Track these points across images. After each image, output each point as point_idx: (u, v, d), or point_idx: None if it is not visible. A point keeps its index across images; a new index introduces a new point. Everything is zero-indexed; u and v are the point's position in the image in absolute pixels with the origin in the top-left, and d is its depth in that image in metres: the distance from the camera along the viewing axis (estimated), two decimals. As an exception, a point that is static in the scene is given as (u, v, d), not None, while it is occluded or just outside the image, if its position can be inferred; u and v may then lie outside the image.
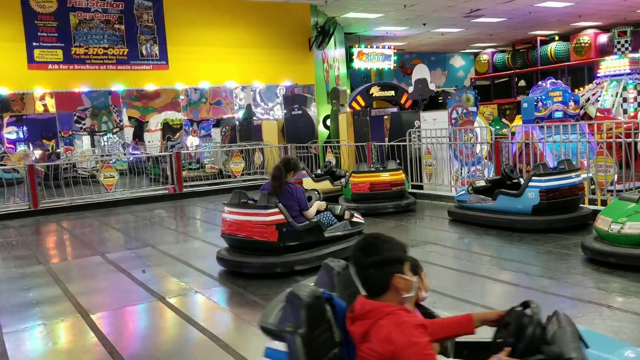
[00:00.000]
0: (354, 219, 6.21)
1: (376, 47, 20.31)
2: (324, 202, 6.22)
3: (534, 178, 6.89)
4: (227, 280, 5.58)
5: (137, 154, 16.75)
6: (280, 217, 5.55)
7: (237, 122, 17.65)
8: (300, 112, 15.59)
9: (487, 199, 7.40)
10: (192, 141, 18.76)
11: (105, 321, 4.65)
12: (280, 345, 1.92)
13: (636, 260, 5.02)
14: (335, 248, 5.78)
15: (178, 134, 17.17)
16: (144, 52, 13.74)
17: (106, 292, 5.62)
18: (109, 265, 6.53)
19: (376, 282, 2.05)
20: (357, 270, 2.10)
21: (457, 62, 26.78)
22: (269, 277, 5.53)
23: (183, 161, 13.65)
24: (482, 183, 7.80)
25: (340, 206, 6.31)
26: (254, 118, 17.07)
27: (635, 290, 4.51)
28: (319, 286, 2.17)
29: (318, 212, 5.98)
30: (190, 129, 18.95)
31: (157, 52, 13.90)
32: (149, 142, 17.77)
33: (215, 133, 18.40)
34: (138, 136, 18.65)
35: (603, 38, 20.02)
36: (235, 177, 14.01)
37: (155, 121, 17.88)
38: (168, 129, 17.06)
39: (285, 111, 16.03)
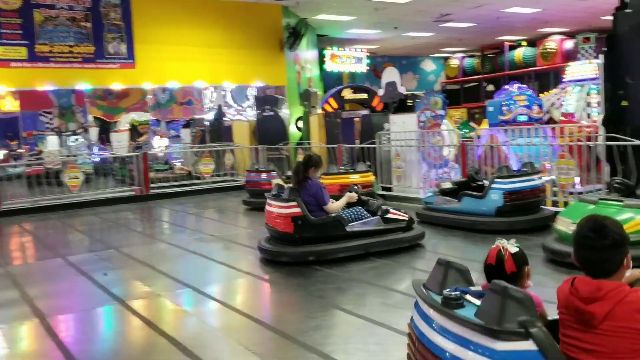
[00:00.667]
0: (392, 216, 6.30)
1: (349, 50, 20.38)
2: (355, 194, 6.39)
3: (497, 180, 6.99)
4: (193, 284, 5.51)
5: (103, 154, 16.49)
6: (297, 210, 5.93)
7: (207, 123, 17.51)
8: (271, 113, 15.55)
9: (452, 200, 7.48)
10: (160, 142, 18.54)
11: (63, 325, 4.55)
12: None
13: (595, 261, 5.12)
14: (358, 242, 6.08)
15: (145, 135, 16.97)
16: (111, 50, 13.53)
17: (66, 295, 5.51)
18: (70, 268, 6.40)
19: (612, 263, 2.09)
20: (589, 252, 2.10)
21: (428, 66, 27.05)
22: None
23: (150, 162, 13.49)
24: (448, 185, 7.88)
25: (375, 202, 6.52)
26: (225, 119, 16.97)
27: (593, 291, 4.58)
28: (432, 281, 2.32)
29: (351, 205, 6.31)
30: (158, 129, 18.74)
31: (125, 51, 13.69)
32: (119, 142, 17.53)
33: (185, 134, 18.23)
34: (104, 136, 18.37)
35: (569, 44, 20.43)
36: (205, 178, 13.89)
37: (122, 121, 17.65)
38: (135, 130, 16.86)
39: (256, 112, 15.98)
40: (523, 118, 10.54)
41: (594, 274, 2.10)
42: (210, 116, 17.88)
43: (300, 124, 15.84)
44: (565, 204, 7.67)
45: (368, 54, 21.20)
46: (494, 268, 2.59)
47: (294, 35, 15.86)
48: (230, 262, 6.42)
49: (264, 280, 5.71)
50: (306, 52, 17.16)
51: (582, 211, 5.40)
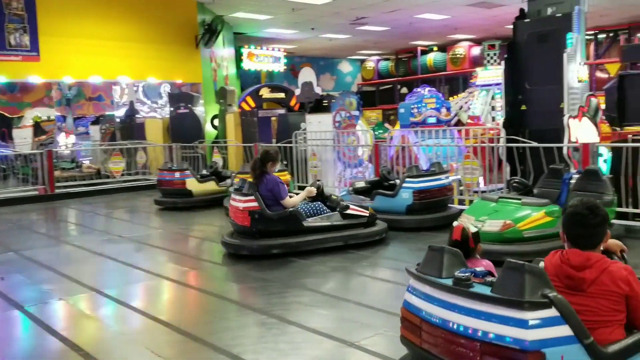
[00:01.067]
0: (352, 212, 6.38)
1: (266, 49, 20.33)
2: (314, 189, 6.45)
3: (407, 179, 7.22)
4: (97, 287, 5.32)
5: (4, 152, 15.55)
6: (254, 204, 6.07)
7: (118, 120, 16.93)
8: (186, 110, 15.27)
9: (365, 199, 7.61)
10: (66, 139, 17.70)
11: (-46, 333, 4.28)
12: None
13: (495, 255, 5.38)
14: (316, 237, 6.20)
15: (49, 133, 16.17)
16: (13, 42, 12.73)
17: (-41, 301, 5.17)
18: (-35, 272, 6.02)
19: (598, 237, 2.51)
20: (582, 229, 2.50)
21: (345, 67, 27.45)
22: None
23: (56, 160, 12.88)
24: (362, 184, 8.04)
25: (336, 197, 6.60)
26: (138, 116, 16.48)
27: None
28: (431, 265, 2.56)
29: (313, 200, 6.42)
30: (64, 125, 17.89)
31: (28, 43, 12.93)
32: (23, 139, 16.57)
33: (94, 130, 17.49)
34: (5, 132, 17.31)
35: (476, 50, 21.40)
36: (115, 177, 13.44)
37: (27, 117, 16.71)
38: (39, 126, 16.02)
39: (170, 109, 15.62)
40: (432, 120, 10.95)
41: (583, 247, 2.50)
42: (121, 113, 17.29)
43: (216, 122, 15.65)
44: (471, 202, 8.04)
45: (285, 54, 21.23)
46: (460, 243, 3.23)
47: (210, 32, 15.63)
48: (139, 264, 6.24)
49: (173, 282, 5.59)
50: (223, 50, 16.95)
51: (484, 209, 5.70)
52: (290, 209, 6.17)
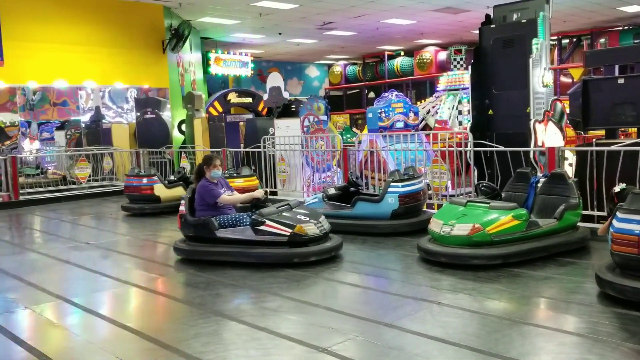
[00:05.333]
0: (267, 228, 5.84)
1: (233, 54, 20.26)
2: (261, 192, 6.40)
3: (392, 184, 7.18)
4: (64, 295, 5.22)
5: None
6: (182, 208, 6.32)
7: (83, 125, 16.65)
8: (153, 115, 15.10)
9: (344, 205, 7.55)
10: (30, 145, 17.32)
11: None
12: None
13: (464, 259, 5.49)
14: (227, 249, 6.04)
15: (13, 138, 15.80)
16: (-26, 46, 12.46)
17: None
18: None
19: None
20: None
21: (312, 72, 27.55)
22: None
23: (20, 166, 12.59)
24: (333, 191, 7.99)
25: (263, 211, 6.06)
26: (103, 121, 16.23)
27: (462, 287, 4.91)
28: None
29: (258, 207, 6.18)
30: (28, 131, 17.51)
31: (-10, 47, 12.67)
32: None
33: (59, 136, 17.15)
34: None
35: (442, 55, 21.71)
36: (81, 183, 13.20)
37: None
38: (2, 131, 15.65)
39: (137, 115, 15.43)
40: (400, 125, 11.05)
41: None
42: (87, 118, 17.00)
43: (184, 127, 15.52)
44: (439, 206, 8.13)
45: (253, 58, 21.19)
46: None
47: (177, 37, 15.50)
48: (106, 271, 6.14)
49: (141, 289, 5.51)
50: (190, 55, 16.83)
51: (452, 213, 5.77)
52: (204, 217, 6.11)
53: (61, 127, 17.29)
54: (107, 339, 4.21)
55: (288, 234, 5.82)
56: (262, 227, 5.88)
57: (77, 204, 12.04)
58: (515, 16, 8.95)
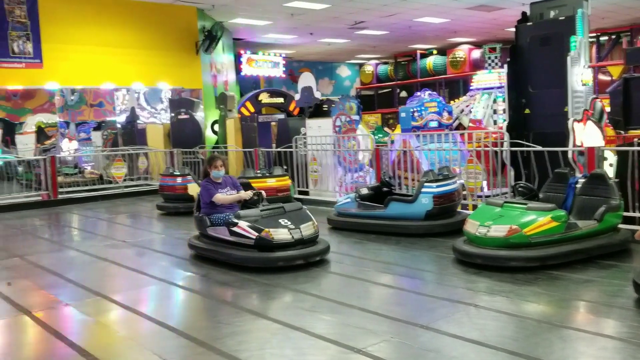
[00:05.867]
0: (237, 230, 5.86)
1: (265, 54, 20.37)
2: (249, 193, 6.44)
3: (426, 184, 7.11)
4: (103, 292, 5.32)
5: (8, 157, 15.54)
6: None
7: (119, 126, 16.95)
8: (187, 116, 15.28)
9: (377, 206, 7.51)
10: (69, 145, 17.71)
11: (-40, 339, 4.27)
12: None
13: (500, 260, 5.40)
14: (213, 247, 6.25)
15: (52, 138, 16.17)
16: (16, 49, 12.77)
17: (-36, 307, 5.16)
18: (-31, 279, 6.01)
19: None
20: None
21: (344, 72, 27.51)
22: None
23: (59, 166, 12.88)
24: (365, 191, 7.97)
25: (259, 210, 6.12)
26: (138, 122, 16.49)
27: (499, 290, 4.84)
28: None
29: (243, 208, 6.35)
30: (67, 131, 17.89)
31: (31, 50, 12.98)
32: (24, 145, 16.57)
33: (96, 136, 17.50)
34: (9, 139, 17.31)
35: (476, 53, 21.44)
36: (117, 182, 13.44)
37: (30, 123, 16.72)
38: (41, 133, 16.02)
39: (171, 115, 15.64)
40: (434, 124, 10.94)
41: None
42: (122, 118, 17.30)
43: (217, 127, 15.67)
44: (474, 207, 8.03)
45: (285, 62, 21.28)
46: None
47: (210, 39, 15.65)
48: (143, 269, 6.24)
49: (177, 287, 5.59)
50: (222, 56, 16.99)
51: (489, 214, 5.69)
52: (200, 214, 6.43)
53: (98, 127, 17.63)
54: (144, 336, 4.27)
55: (254, 237, 5.77)
56: (235, 228, 5.90)
57: (113, 202, 12.27)
58: (552, 13, 8.79)
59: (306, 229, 5.95)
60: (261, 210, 6.03)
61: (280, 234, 5.77)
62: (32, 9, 12.98)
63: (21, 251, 7.33)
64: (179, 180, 10.39)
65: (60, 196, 11.97)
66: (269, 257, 5.77)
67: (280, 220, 5.88)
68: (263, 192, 6.60)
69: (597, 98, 8.07)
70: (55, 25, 13.35)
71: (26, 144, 16.46)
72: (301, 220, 6.01)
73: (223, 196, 6.39)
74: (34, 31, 13.02)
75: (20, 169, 13.83)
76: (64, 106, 17.68)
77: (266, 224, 5.82)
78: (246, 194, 6.45)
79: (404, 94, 24.19)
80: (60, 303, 5.05)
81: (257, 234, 5.74)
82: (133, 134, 15.87)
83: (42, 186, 12.02)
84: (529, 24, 9.06)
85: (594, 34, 18.80)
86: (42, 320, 4.56)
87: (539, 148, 7.63)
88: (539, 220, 5.40)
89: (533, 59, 8.88)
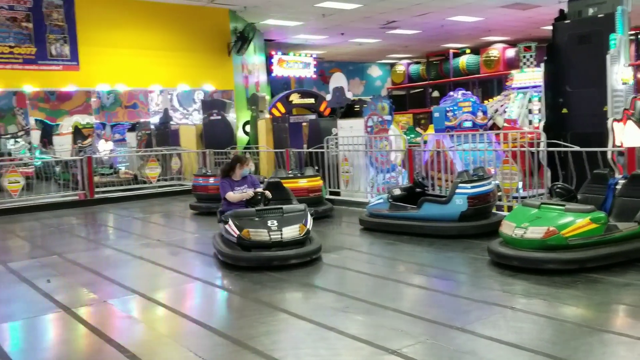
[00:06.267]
0: (227, 227, 6.12)
1: (296, 55, 20.42)
2: (250, 193, 6.63)
3: (460, 185, 7.03)
4: (140, 290, 5.40)
5: (45, 157, 15.93)
6: None
7: (153, 127, 17.21)
8: (219, 117, 15.42)
9: (410, 207, 7.44)
10: (105, 145, 18.06)
11: (6, 334, 4.39)
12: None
13: (537, 263, 5.30)
14: (215, 241, 6.62)
15: (89, 139, 16.51)
16: (54, 52, 13.11)
17: (8, 303, 5.29)
18: (11, 275, 6.17)
19: None
20: None
21: (375, 72, 27.41)
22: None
23: (95, 166, 13.14)
24: (398, 192, 7.91)
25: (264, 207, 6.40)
26: (172, 122, 16.71)
27: (535, 292, 4.75)
28: None
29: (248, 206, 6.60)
30: (103, 132, 18.25)
31: (68, 53, 13.29)
32: (61, 145, 16.96)
33: (131, 137, 17.81)
34: (46, 139, 17.74)
35: (510, 52, 21.12)
36: (151, 182, 13.64)
37: (65, 124, 17.11)
38: (78, 133, 16.37)
39: (203, 116, 15.80)
40: (468, 124, 10.81)
41: None
42: (156, 120, 17.56)
43: (248, 128, 15.78)
44: (509, 208, 7.90)
45: (315, 60, 21.30)
46: None
47: (242, 40, 15.78)
48: (178, 267, 6.32)
49: (212, 286, 5.66)
50: (253, 57, 17.09)
51: (525, 215, 5.60)
52: (220, 209, 6.77)
53: (132, 128, 17.94)
54: (180, 333, 4.32)
55: (236, 235, 5.96)
56: (226, 226, 6.17)
57: (148, 202, 12.45)
58: (591, 11, 8.61)
59: (289, 232, 5.99)
60: (257, 211, 6.20)
61: (259, 235, 5.91)
62: (69, 13, 13.29)
63: (59, 249, 7.50)
64: (211, 180, 10.48)
65: (96, 196, 12.19)
66: (244, 256, 5.96)
67: (268, 222, 5.99)
68: (267, 193, 6.76)
69: (637, 97, 7.86)
70: (91, 29, 13.63)
71: (62, 145, 16.84)
72: (288, 223, 6.05)
73: (232, 194, 6.71)
74: (70, 34, 13.33)
75: (57, 169, 14.16)
76: (100, 107, 18.04)
77: (250, 224, 5.98)
78: (248, 194, 6.64)
79: (436, 93, 23.96)
80: (98, 300, 5.14)
81: (238, 232, 5.95)
82: (166, 134, 16.09)
83: (79, 186, 12.27)
84: (566, 21, 8.89)
85: (634, 32, 18.32)
86: (81, 317, 4.65)
87: (577, 148, 7.47)
88: (577, 222, 5.28)
89: (571, 58, 8.71)
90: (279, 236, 5.92)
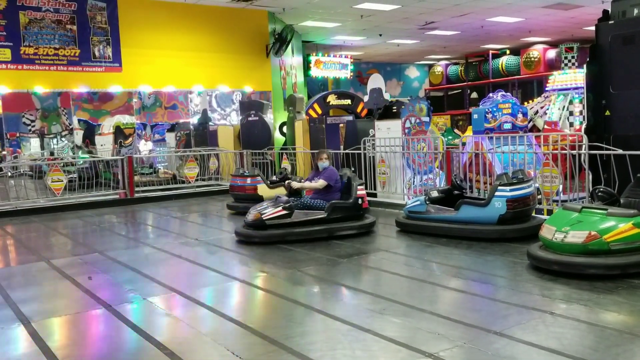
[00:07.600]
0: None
1: (333, 56, 20.46)
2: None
3: (500, 187, 6.94)
4: (179, 288, 5.50)
5: (88, 157, 16.32)
6: None
7: (192, 127, 17.47)
8: (256, 118, 15.56)
9: (448, 209, 7.39)
10: (145, 145, 18.41)
11: (48, 330, 4.51)
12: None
13: (578, 268, 5.20)
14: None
15: (130, 138, 16.85)
16: (97, 53, 13.47)
17: (50, 299, 5.46)
18: (54, 272, 6.35)
19: None
20: None
21: (412, 73, 27.24)
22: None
23: (135, 166, 13.41)
24: (436, 194, 7.85)
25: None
26: (210, 123, 16.93)
27: (577, 298, 4.66)
28: None
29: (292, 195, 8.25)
30: (143, 132, 18.61)
31: (110, 54, 13.64)
32: (102, 145, 17.35)
33: (170, 137, 18.11)
34: (89, 139, 18.18)
35: (551, 53, 20.72)
36: (190, 182, 13.85)
37: (107, 124, 17.49)
38: (120, 133, 16.72)
39: (241, 117, 15.96)
40: (508, 126, 10.65)
41: None
42: (195, 120, 17.82)
43: (285, 129, 15.87)
44: (549, 211, 7.75)
45: (352, 60, 21.28)
46: None
47: (280, 42, 15.88)
48: (216, 267, 6.41)
49: (248, 285, 5.71)
50: (291, 58, 17.19)
51: (566, 219, 5.49)
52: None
53: (171, 129, 18.23)
54: (217, 332, 4.38)
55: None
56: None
57: (186, 201, 12.65)
58: (636, 11, 8.35)
59: (265, 211, 7.61)
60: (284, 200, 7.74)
61: (250, 215, 7.70)
62: (112, 15, 13.63)
63: (100, 247, 7.68)
64: (248, 180, 10.59)
65: (136, 195, 12.45)
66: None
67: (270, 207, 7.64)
68: (293, 183, 8.27)
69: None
70: (133, 31, 13.95)
71: (103, 145, 17.22)
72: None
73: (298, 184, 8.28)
74: (113, 36, 13.67)
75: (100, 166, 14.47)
76: (141, 108, 18.39)
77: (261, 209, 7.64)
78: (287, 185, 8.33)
79: (474, 95, 23.69)
80: (138, 298, 5.25)
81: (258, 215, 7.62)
82: (205, 135, 16.31)
83: (119, 185, 12.55)
84: (610, 22, 8.65)
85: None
86: (121, 313, 4.76)
87: (620, 151, 7.28)
88: (620, 226, 5.16)
89: (615, 59, 8.48)
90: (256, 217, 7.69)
